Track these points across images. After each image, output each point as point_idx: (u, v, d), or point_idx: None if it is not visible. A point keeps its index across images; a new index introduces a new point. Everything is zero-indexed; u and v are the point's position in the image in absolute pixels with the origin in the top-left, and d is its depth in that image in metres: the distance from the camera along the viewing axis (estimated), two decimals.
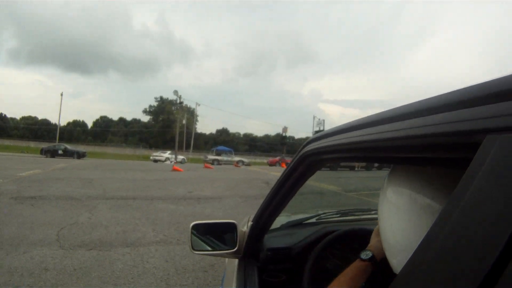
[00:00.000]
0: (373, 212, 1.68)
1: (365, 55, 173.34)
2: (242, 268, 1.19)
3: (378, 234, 0.86)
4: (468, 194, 0.30)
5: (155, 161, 33.90)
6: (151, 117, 71.18)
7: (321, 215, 1.65)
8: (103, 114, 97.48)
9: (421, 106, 0.44)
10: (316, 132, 23.44)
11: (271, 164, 35.12)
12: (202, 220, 1.26)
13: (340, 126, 0.70)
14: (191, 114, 56.66)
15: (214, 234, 1.25)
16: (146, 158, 37.75)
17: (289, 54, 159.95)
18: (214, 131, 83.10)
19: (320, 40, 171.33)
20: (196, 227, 1.21)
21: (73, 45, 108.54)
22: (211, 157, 33.75)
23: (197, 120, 64.21)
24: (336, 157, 0.73)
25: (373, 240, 0.89)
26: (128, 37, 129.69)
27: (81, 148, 34.51)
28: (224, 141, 67.88)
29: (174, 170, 16.02)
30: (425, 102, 0.43)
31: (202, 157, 36.08)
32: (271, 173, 16.34)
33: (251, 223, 1.22)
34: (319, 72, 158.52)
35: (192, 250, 1.20)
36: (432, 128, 0.39)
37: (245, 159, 35.37)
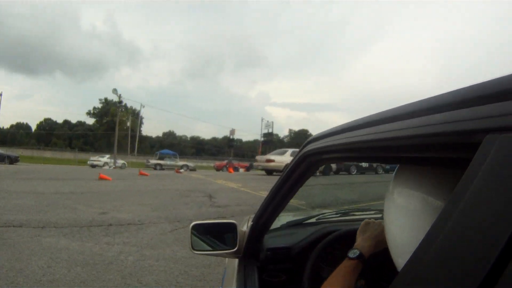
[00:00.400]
0: (372, 212, 1.72)
1: (313, 59, 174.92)
2: (242, 268, 1.21)
3: (364, 232, 0.94)
4: (468, 194, 0.30)
5: (93, 166, 30.72)
6: (96, 119, 68.26)
7: (321, 215, 1.66)
8: (48, 116, 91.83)
9: (421, 105, 0.44)
10: (265, 134, 22.17)
11: (218, 168, 33.04)
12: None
13: (340, 125, 0.70)
14: (136, 116, 53.99)
15: (214, 234, 1.26)
16: (85, 162, 34.16)
17: (237, 57, 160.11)
18: (160, 134, 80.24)
19: (269, 44, 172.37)
20: (196, 227, 1.22)
21: (19, 44, 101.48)
22: (153, 161, 31.10)
23: (142, 123, 62.30)
24: (337, 157, 0.74)
25: (359, 239, 0.92)
26: (76, 37, 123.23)
27: (20, 152, 32.15)
28: (171, 144, 66.11)
29: (101, 179, 13.48)
30: (425, 101, 0.44)
31: (145, 161, 33.26)
32: (216, 181, 13.63)
33: (251, 223, 1.24)
34: (267, 75, 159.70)
35: (192, 250, 1.21)
36: (432, 127, 0.39)
37: (191, 164, 32.39)
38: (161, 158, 32.13)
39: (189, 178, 15.85)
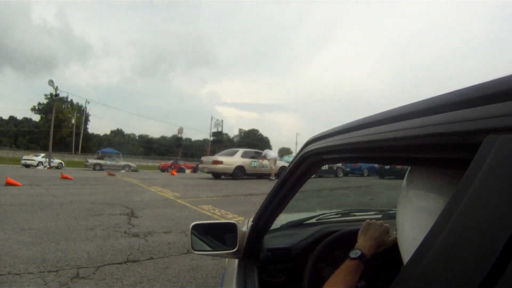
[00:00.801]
0: (373, 212, 1.72)
1: (264, 60, 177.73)
2: (242, 268, 1.21)
3: (365, 233, 0.94)
4: (468, 194, 0.30)
5: (27, 165, 28.05)
6: (41, 115, 64.68)
7: (321, 216, 1.66)
8: None
9: (421, 106, 0.44)
10: (214, 133, 20.07)
11: (163, 169, 30.97)
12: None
13: (341, 126, 0.70)
14: (82, 113, 50.29)
15: (214, 234, 1.26)
16: (19, 161, 30.82)
17: (189, 56, 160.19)
18: (108, 132, 75.38)
19: (221, 44, 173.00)
20: (196, 227, 1.23)
21: None
22: (92, 161, 27.78)
23: (88, 120, 58.41)
24: (337, 157, 0.75)
25: (360, 239, 0.93)
26: (26, 31, 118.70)
27: None
28: (119, 142, 62.70)
29: (8, 184, 10.60)
30: (425, 102, 0.44)
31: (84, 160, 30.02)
32: (149, 188, 10.82)
33: (251, 223, 1.24)
34: (218, 75, 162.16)
35: (192, 250, 1.21)
36: (433, 128, 0.39)
37: (133, 164, 29.78)
38: (101, 158, 28.90)
39: (119, 183, 12.52)
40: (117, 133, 78.89)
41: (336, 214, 1.68)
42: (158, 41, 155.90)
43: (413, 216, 0.59)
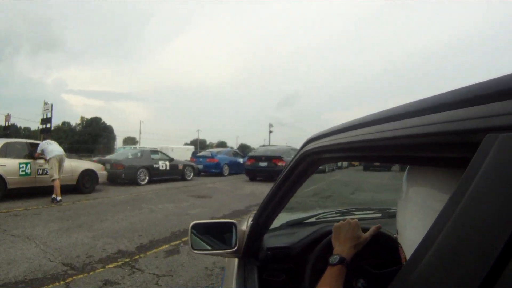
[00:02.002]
0: (372, 211, 1.70)
1: (114, 47, 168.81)
2: (242, 268, 1.20)
3: (338, 237, 0.94)
4: (467, 193, 0.30)
5: None
6: None
7: (321, 215, 1.65)
8: None
9: (421, 105, 0.44)
10: (42, 120, 17.45)
11: None
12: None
13: (341, 124, 0.70)
14: None
15: (214, 234, 1.26)
16: None
17: (34, 39, 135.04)
18: None
19: (70, 28, 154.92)
20: (195, 227, 1.22)
21: None
22: None
23: None
24: (337, 156, 0.74)
25: (335, 245, 0.92)
26: None
27: None
28: None
29: None
30: (425, 101, 0.44)
31: None
32: None
33: (251, 222, 1.23)
34: (65, 61, 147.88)
35: (192, 250, 1.21)
36: (432, 127, 0.39)
37: None
38: None
39: None
40: None
41: (336, 213, 1.67)
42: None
43: (413, 215, 0.59)
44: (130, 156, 11.77)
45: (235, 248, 1.20)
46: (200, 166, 15.54)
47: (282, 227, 1.55)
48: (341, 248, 0.89)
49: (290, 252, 1.30)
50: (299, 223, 1.58)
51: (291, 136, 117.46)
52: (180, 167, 13.20)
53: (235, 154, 18.35)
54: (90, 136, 64.92)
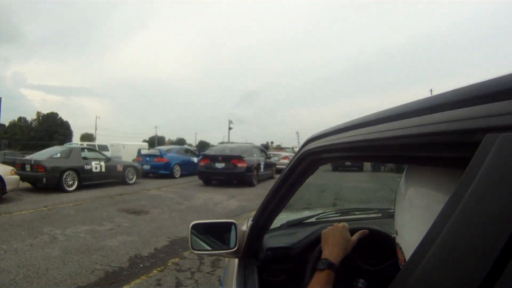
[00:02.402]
0: (372, 211, 1.72)
1: (75, 41, 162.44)
2: (242, 268, 1.21)
3: (326, 242, 0.94)
4: (467, 193, 0.30)
5: None
6: None
7: (321, 215, 1.65)
8: None
9: (421, 104, 0.44)
10: None
11: None
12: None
13: (341, 124, 0.70)
14: None
15: (214, 234, 1.26)
16: None
17: None
18: None
19: (28, 19, 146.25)
20: (195, 227, 1.22)
21: None
22: None
23: None
24: (337, 156, 0.75)
25: (324, 250, 0.92)
26: None
27: None
28: None
29: None
30: (425, 101, 0.44)
31: None
32: None
33: (251, 222, 1.23)
34: (24, 54, 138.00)
35: (192, 250, 1.21)
36: (432, 127, 0.39)
37: None
38: None
39: None
40: None
41: (335, 213, 1.68)
42: None
43: (412, 216, 0.59)
44: (55, 156, 9.28)
45: (235, 248, 1.20)
46: (147, 167, 13.19)
47: (282, 227, 1.54)
48: (329, 253, 0.89)
49: (290, 252, 1.30)
50: (299, 223, 1.57)
51: (251, 133, 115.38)
52: (120, 168, 10.70)
53: (189, 152, 15.79)
54: (47, 133, 61.72)
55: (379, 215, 1.64)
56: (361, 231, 1.02)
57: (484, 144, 0.31)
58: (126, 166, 11.05)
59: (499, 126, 0.30)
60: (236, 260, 1.28)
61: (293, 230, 1.49)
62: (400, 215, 0.63)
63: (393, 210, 1.50)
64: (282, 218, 1.54)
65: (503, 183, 0.27)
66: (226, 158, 10.93)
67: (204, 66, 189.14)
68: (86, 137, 65.30)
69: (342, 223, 0.99)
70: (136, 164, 12.15)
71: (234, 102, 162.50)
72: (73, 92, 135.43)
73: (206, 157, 11.60)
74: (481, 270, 0.25)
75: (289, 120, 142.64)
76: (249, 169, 10.92)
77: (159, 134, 73.73)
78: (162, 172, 13.32)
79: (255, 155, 12.09)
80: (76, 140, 54.52)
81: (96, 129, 62.36)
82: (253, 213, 1.29)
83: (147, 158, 13.72)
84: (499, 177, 0.28)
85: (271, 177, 13.38)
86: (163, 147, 16.05)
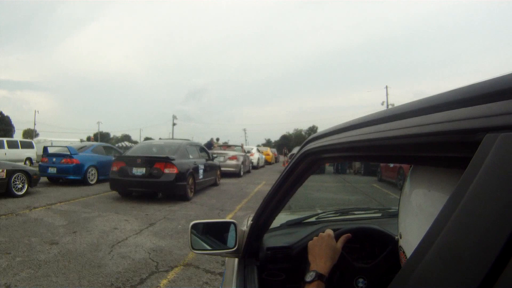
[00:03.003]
0: (372, 211, 1.76)
1: (20, 33, 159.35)
2: (242, 268, 1.21)
3: (312, 253, 0.94)
4: (467, 193, 0.30)
5: None
6: None
7: (321, 214, 1.66)
8: None
9: (421, 104, 0.44)
10: None
11: None
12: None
13: (341, 124, 0.71)
14: None
15: (214, 234, 1.26)
16: None
17: None
18: None
19: None
20: (195, 227, 1.23)
21: None
22: None
23: None
24: (337, 156, 0.75)
25: (311, 262, 0.92)
26: None
27: None
28: None
29: None
30: (425, 100, 0.44)
31: None
32: None
33: (251, 222, 1.23)
34: None
35: (192, 250, 1.22)
36: (432, 126, 0.39)
37: None
38: None
39: None
40: None
41: (335, 213, 1.68)
42: None
43: (415, 217, 0.59)
44: None
45: (235, 248, 1.20)
46: (52, 170, 10.06)
47: (282, 227, 1.54)
48: (317, 264, 0.89)
49: (290, 252, 1.30)
50: (299, 223, 1.57)
51: (198, 130, 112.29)
52: (1, 174, 7.45)
53: (112, 150, 12.11)
54: None
55: (379, 214, 1.65)
56: (344, 236, 1.00)
57: (484, 144, 0.31)
58: (12, 171, 7.66)
59: (499, 126, 0.30)
60: (236, 259, 1.29)
61: (293, 229, 1.49)
62: (403, 217, 0.62)
63: (393, 210, 1.64)
64: (282, 217, 1.54)
65: (504, 182, 0.27)
66: (148, 161, 7.55)
67: (153, 60, 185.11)
68: (28, 133, 62.24)
69: (327, 231, 0.98)
70: (29, 168, 8.75)
71: (182, 98, 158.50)
72: (18, 86, 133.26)
73: (120, 159, 8.16)
74: (481, 269, 0.25)
75: (238, 117, 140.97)
76: (181, 176, 7.50)
77: (105, 130, 71.02)
78: (71, 177, 10.01)
79: (191, 156, 8.67)
80: (18, 136, 52.66)
81: (35, 124, 58.82)
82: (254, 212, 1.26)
83: (54, 159, 10.26)
84: (499, 177, 0.28)
85: (215, 184, 10.31)
86: (75, 145, 12.09)
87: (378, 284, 1.05)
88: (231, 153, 14.39)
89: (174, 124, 45.62)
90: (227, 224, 1.24)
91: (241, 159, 14.40)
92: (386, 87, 35.77)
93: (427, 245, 0.32)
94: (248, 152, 18.40)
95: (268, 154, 25.27)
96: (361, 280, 1.06)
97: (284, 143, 62.57)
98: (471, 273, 0.26)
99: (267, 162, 23.96)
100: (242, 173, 14.41)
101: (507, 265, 0.24)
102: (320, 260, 0.90)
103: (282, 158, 28.61)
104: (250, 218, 1.33)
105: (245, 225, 1.40)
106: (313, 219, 1.61)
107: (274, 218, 1.20)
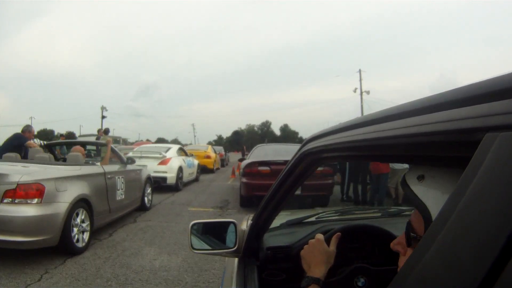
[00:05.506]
0: (372, 210, 1.83)
1: None
2: (242, 267, 1.21)
3: (305, 261, 0.93)
4: (467, 193, 0.30)
5: None
6: None
7: (321, 214, 1.65)
8: None
9: (421, 104, 0.44)
10: None
11: None
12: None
13: (340, 124, 0.70)
14: None
15: (214, 233, 1.26)
16: None
17: None
18: None
19: None
20: (195, 226, 1.23)
21: None
22: None
23: None
24: (336, 155, 0.75)
25: (306, 268, 0.92)
26: None
27: None
28: None
29: None
30: (425, 100, 0.44)
31: None
32: None
33: (251, 222, 1.24)
34: None
35: (192, 249, 1.22)
36: (432, 126, 0.39)
37: None
38: None
39: None
40: None
41: (335, 213, 1.68)
42: None
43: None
44: None
45: (235, 247, 1.20)
46: None
47: (282, 226, 1.54)
48: (312, 271, 0.88)
49: (290, 251, 1.30)
50: (298, 223, 1.57)
51: (146, 127, 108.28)
52: None
53: None
54: None
55: (379, 214, 1.65)
56: (334, 236, 0.98)
57: (484, 143, 0.31)
58: None
59: (499, 125, 0.30)
60: (236, 259, 1.28)
61: (293, 229, 1.49)
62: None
63: (393, 210, 1.67)
64: (282, 217, 1.53)
65: (503, 182, 0.27)
66: None
67: (102, 55, 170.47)
68: None
69: (316, 237, 0.96)
70: None
71: (132, 95, 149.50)
72: None
73: None
74: (480, 269, 0.25)
75: (188, 114, 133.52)
76: None
77: (49, 127, 64.17)
78: None
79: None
80: None
81: None
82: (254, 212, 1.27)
83: None
84: (499, 176, 0.28)
85: None
86: None
87: (378, 283, 1.05)
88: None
89: (103, 117, 33.09)
90: (227, 224, 1.24)
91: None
92: (360, 70, 33.01)
93: (427, 244, 0.32)
94: (160, 154, 8.89)
95: (207, 157, 14.74)
96: (361, 279, 1.06)
97: (236, 139, 59.23)
98: (470, 273, 0.26)
99: (205, 170, 13.81)
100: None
101: (507, 265, 0.24)
102: (314, 267, 0.89)
103: (235, 156, 20.91)
104: (250, 218, 1.33)
105: (245, 225, 1.41)
106: (313, 218, 1.61)
107: (274, 218, 1.19)
